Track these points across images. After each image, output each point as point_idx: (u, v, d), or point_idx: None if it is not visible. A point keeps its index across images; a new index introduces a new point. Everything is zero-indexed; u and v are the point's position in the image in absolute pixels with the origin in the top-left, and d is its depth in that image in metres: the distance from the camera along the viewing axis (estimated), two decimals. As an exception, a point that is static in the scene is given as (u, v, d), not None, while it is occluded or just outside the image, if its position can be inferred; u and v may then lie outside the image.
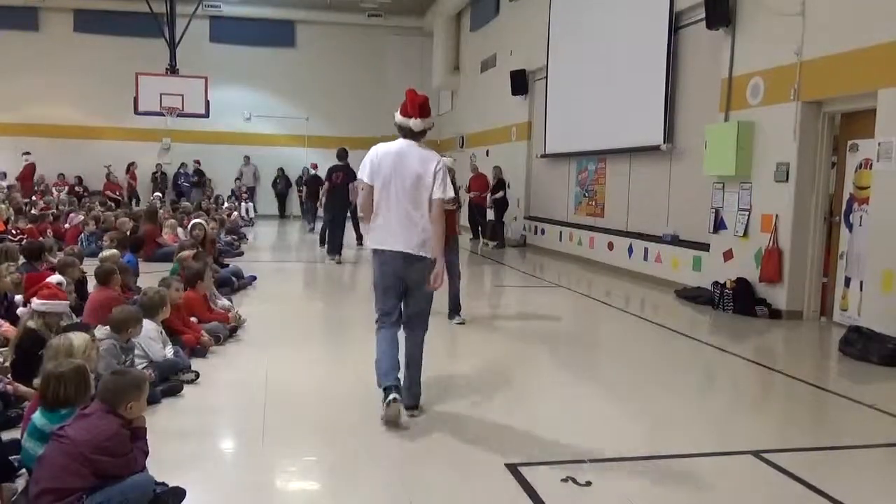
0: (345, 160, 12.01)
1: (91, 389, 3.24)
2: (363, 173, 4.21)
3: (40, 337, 4.23)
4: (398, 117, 4.27)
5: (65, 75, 20.04)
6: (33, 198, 16.89)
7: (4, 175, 19.10)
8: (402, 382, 4.16)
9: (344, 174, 11.68)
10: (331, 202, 11.97)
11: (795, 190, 7.58)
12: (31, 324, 4.34)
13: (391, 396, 3.99)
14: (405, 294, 4.23)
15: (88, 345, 3.65)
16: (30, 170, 19.17)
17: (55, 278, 5.04)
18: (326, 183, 12.14)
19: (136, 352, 4.56)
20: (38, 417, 3.14)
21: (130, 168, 20.24)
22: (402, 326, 4.30)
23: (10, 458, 3.17)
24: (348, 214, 12.17)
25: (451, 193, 4.30)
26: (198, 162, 20.68)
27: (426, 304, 4.32)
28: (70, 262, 6.19)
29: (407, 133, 4.23)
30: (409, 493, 3.22)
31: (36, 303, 4.40)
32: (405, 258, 4.10)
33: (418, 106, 4.21)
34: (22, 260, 6.73)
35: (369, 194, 4.17)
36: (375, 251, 4.21)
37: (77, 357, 3.46)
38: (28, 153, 19.15)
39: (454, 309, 7.00)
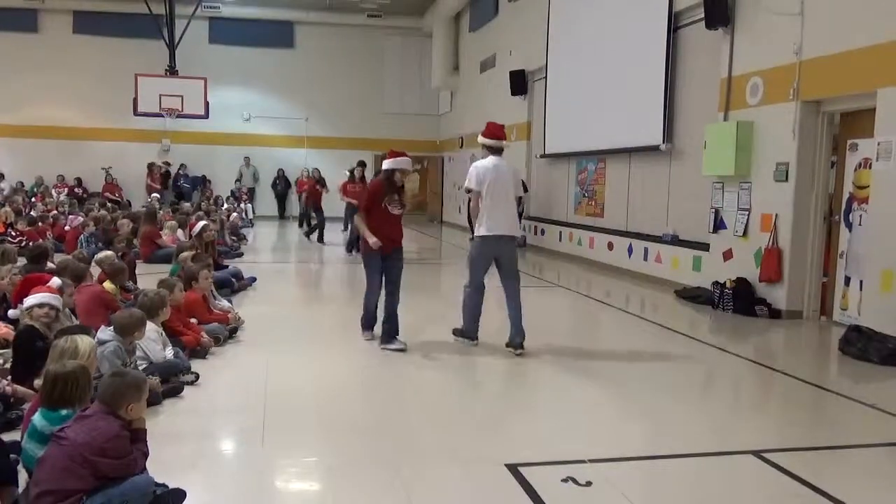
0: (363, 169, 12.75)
1: (91, 391, 3.25)
2: (471, 183, 5.80)
3: (37, 333, 4.24)
4: (488, 140, 5.93)
5: (64, 77, 20.03)
6: (33, 199, 16.92)
7: (3, 176, 19.10)
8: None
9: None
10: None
11: (795, 189, 7.59)
12: (28, 321, 4.35)
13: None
14: (498, 265, 5.94)
15: (93, 348, 3.66)
16: None
17: (55, 282, 5.04)
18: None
19: (137, 353, 4.56)
20: (38, 419, 3.15)
21: (153, 168, 19.96)
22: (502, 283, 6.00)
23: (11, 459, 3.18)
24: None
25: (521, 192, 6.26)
26: (167, 163, 20.53)
27: (516, 265, 6.05)
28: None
29: (496, 151, 5.90)
30: (409, 493, 3.22)
31: (27, 299, 4.41)
32: (508, 239, 5.89)
33: (503, 131, 6.04)
34: (23, 262, 6.74)
35: (478, 198, 5.78)
36: (485, 237, 5.83)
37: (82, 360, 3.47)
38: None
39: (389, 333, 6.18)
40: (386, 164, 5.99)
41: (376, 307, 6.22)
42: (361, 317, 6.31)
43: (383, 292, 6.14)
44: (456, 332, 6.19)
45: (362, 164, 13.27)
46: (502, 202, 5.81)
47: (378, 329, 6.12)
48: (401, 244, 6.19)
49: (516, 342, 5.83)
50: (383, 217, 5.96)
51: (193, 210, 14.20)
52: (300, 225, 17.05)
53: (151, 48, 18.56)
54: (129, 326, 4.39)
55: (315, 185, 15.53)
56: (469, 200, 6.21)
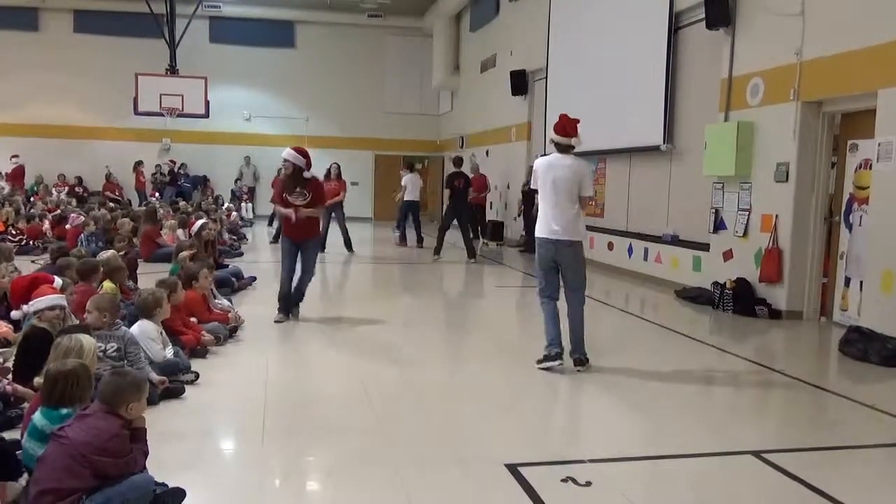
0: (460, 166, 12.79)
1: (92, 390, 3.25)
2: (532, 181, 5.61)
3: (48, 334, 4.23)
4: (552, 135, 5.59)
5: (64, 76, 20.02)
6: (32, 198, 16.93)
7: (3, 175, 19.10)
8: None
9: (464, 180, 12.43)
10: (454, 206, 12.40)
11: (795, 190, 7.59)
12: (38, 323, 4.35)
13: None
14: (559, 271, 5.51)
15: (95, 348, 3.68)
16: (19, 171, 19.13)
17: (57, 282, 5.04)
18: (448, 190, 12.60)
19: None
20: (38, 418, 3.15)
21: (137, 167, 20.17)
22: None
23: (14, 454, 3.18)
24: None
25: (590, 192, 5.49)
26: (173, 161, 20.56)
27: (573, 273, 5.50)
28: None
29: (562, 148, 5.47)
30: (409, 493, 3.22)
31: (35, 302, 4.41)
32: (555, 243, 5.38)
33: (573, 127, 5.49)
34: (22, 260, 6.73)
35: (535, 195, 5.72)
36: (536, 239, 5.53)
37: (85, 358, 3.48)
38: (16, 155, 19.11)
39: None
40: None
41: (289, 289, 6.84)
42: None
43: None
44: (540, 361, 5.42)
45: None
46: (551, 202, 5.33)
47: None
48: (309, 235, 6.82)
49: (573, 357, 5.35)
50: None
51: (194, 209, 14.20)
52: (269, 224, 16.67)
53: (152, 47, 18.55)
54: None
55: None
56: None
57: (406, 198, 14.10)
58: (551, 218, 5.32)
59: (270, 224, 15.92)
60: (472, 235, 12.66)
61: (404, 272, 11.48)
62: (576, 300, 5.43)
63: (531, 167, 14.05)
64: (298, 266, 6.85)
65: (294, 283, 6.86)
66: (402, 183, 14.11)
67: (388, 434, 4.01)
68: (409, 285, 10.37)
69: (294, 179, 6.64)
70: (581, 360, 5.33)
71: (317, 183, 6.86)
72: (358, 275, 11.26)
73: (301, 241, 6.80)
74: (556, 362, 5.28)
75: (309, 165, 6.71)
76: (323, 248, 11.52)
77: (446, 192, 12.76)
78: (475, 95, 18.55)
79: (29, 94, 19.89)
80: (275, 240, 13.82)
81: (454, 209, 12.39)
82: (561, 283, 5.48)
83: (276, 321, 6.75)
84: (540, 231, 5.43)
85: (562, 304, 5.46)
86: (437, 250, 12.32)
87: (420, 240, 14.23)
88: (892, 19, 6.35)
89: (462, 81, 19.87)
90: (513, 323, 7.82)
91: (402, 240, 14.37)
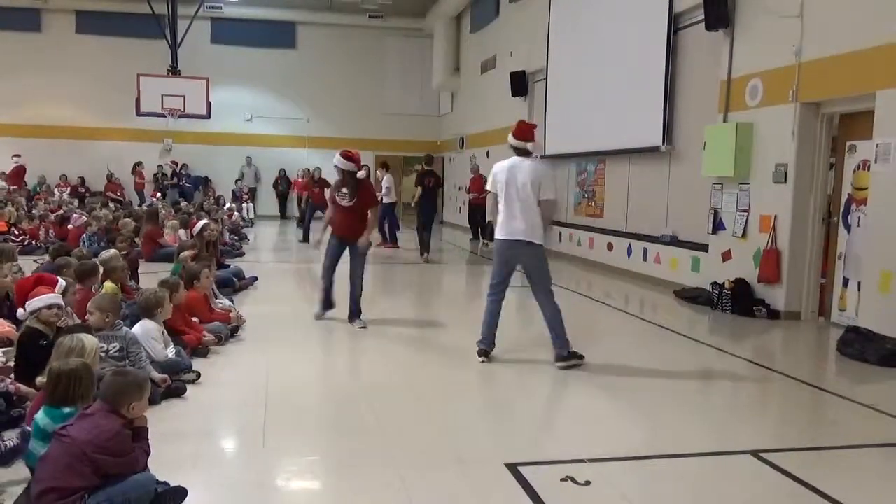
0: (431, 165, 12.71)
1: (94, 389, 3.26)
2: (488, 184, 5.71)
3: (40, 334, 4.25)
4: (510, 140, 5.65)
5: (66, 76, 20.04)
6: (34, 198, 16.93)
7: (4, 174, 19.10)
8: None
9: (434, 178, 12.40)
10: (424, 204, 12.36)
11: (794, 191, 7.59)
12: (31, 323, 4.35)
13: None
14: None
15: (97, 348, 3.68)
16: (20, 171, 19.13)
17: (61, 284, 5.02)
18: (419, 187, 12.51)
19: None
20: (41, 417, 3.15)
21: (136, 168, 20.24)
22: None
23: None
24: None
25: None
26: (175, 162, 20.59)
27: (538, 273, 5.63)
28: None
29: (519, 152, 5.56)
30: (410, 492, 3.23)
31: (32, 302, 4.41)
32: (514, 244, 5.51)
33: (531, 132, 5.67)
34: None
35: (494, 199, 5.63)
36: (496, 240, 5.63)
37: (88, 358, 3.49)
38: (18, 155, 19.13)
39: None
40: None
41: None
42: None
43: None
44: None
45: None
46: (511, 204, 5.43)
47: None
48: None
49: (557, 353, 5.48)
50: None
51: (195, 210, 14.20)
52: (299, 225, 16.90)
53: (154, 48, 18.57)
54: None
55: (320, 187, 15.35)
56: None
57: (385, 200, 13.51)
58: (511, 220, 5.42)
59: (299, 225, 16.26)
60: (429, 234, 12.50)
61: (400, 272, 11.48)
62: (548, 301, 5.54)
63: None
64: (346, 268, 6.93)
65: (348, 291, 6.93)
66: (385, 184, 13.67)
67: (388, 434, 4.01)
68: (405, 285, 10.37)
69: (344, 182, 6.78)
70: (563, 357, 5.42)
71: (366, 184, 6.94)
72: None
73: (346, 238, 6.85)
74: (481, 359, 5.54)
75: (359, 167, 6.85)
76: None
77: (417, 190, 12.69)
78: (475, 96, 18.54)
79: (31, 94, 19.92)
80: (304, 239, 14.40)
81: (424, 207, 12.29)
82: (528, 284, 5.68)
83: (315, 316, 6.99)
84: (499, 233, 5.53)
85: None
86: (424, 250, 12.24)
87: (395, 240, 14.02)
88: (890, 21, 6.35)
89: (462, 82, 19.87)
90: (511, 322, 7.82)
91: (384, 241, 14.00)
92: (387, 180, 13.82)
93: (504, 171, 5.50)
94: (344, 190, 6.76)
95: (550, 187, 5.50)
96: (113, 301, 4.75)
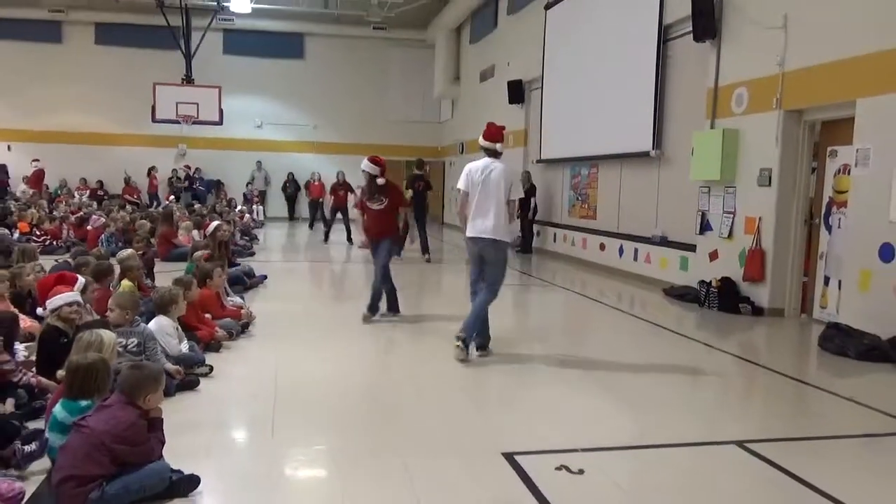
0: (421, 169, 12.59)
1: (110, 382, 3.26)
2: (460, 183, 5.63)
3: (61, 332, 4.25)
4: (480, 141, 5.63)
5: (86, 85, 20.10)
6: (55, 201, 16.95)
7: (26, 177, 19.08)
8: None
9: (423, 182, 12.35)
10: (414, 206, 12.22)
11: (777, 194, 7.59)
12: (52, 321, 4.36)
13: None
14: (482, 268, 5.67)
15: (115, 343, 3.69)
16: (39, 175, 19.12)
17: (80, 282, 5.02)
18: (409, 190, 12.43)
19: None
20: (58, 410, 3.16)
21: (151, 172, 20.29)
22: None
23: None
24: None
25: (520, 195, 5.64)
26: (188, 167, 20.58)
27: (497, 271, 5.67)
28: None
29: (490, 153, 5.57)
30: (412, 480, 3.22)
31: (53, 300, 4.42)
32: (482, 241, 5.53)
33: (500, 133, 5.60)
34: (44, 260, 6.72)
35: (465, 198, 5.61)
36: (467, 238, 5.62)
37: (106, 352, 3.49)
38: (37, 160, 19.12)
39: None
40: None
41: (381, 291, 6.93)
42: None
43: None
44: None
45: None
46: (482, 203, 5.43)
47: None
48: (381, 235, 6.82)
49: (460, 337, 5.41)
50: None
51: (208, 212, 14.20)
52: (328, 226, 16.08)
53: (169, 58, 18.58)
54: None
55: (345, 190, 15.30)
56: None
57: None
58: (483, 219, 5.43)
59: (324, 225, 16.14)
60: (425, 234, 12.48)
61: (398, 271, 11.48)
62: (487, 292, 5.56)
63: (527, 173, 14.20)
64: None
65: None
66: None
67: (392, 425, 4.01)
68: (405, 283, 10.37)
69: (371, 186, 6.77)
70: (461, 338, 5.36)
71: (392, 187, 6.90)
72: (358, 274, 11.25)
73: (375, 239, 6.88)
74: (478, 353, 5.57)
75: (383, 173, 6.78)
76: (399, 252, 11.54)
77: (408, 193, 12.62)
78: (475, 104, 18.55)
79: (53, 102, 19.99)
80: (326, 239, 14.68)
81: (415, 208, 12.19)
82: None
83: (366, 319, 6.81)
84: (469, 230, 5.53)
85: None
86: (424, 249, 12.21)
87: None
88: (869, 32, 6.35)
89: (462, 90, 19.87)
90: (509, 319, 7.82)
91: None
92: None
93: (478, 171, 5.50)
94: (376, 195, 6.77)
95: (518, 189, 5.64)
96: (132, 299, 4.75)
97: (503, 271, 5.63)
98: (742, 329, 7.25)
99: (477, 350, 5.57)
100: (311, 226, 18.24)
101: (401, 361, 5.50)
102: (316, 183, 19.06)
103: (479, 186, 5.44)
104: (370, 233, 6.92)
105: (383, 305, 7.01)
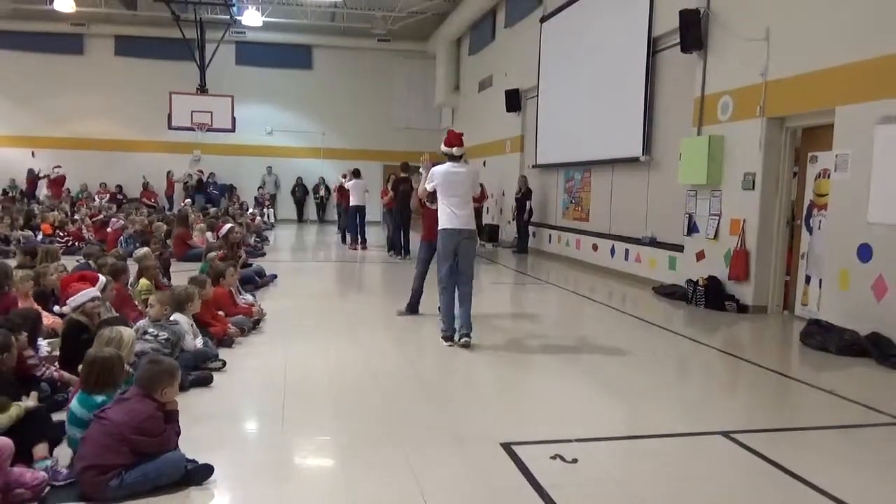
0: (407, 172, 12.39)
1: (124, 376, 3.28)
2: (427, 183, 5.95)
3: (83, 326, 4.25)
4: (442, 147, 5.89)
5: (106, 94, 20.13)
6: (77, 204, 16.95)
7: (48, 177, 19.07)
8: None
9: (409, 185, 12.09)
10: (399, 208, 12.16)
11: (761, 197, 7.58)
12: (75, 316, 4.36)
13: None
14: (455, 260, 5.80)
15: (133, 340, 3.72)
16: (60, 180, 19.10)
17: (101, 280, 5.02)
18: (393, 192, 12.35)
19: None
20: (75, 406, 3.15)
21: (168, 177, 20.33)
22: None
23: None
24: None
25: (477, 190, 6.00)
26: (202, 171, 20.53)
27: (471, 261, 5.88)
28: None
29: (452, 158, 5.83)
30: (414, 469, 3.22)
31: (75, 298, 4.42)
32: (458, 232, 5.76)
33: (458, 139, 5.90)
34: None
35: (427, 195, 6.05)
36: (442, 230, 5.81)
37: (124, 348, 3.50)
38: (59, 166, 19.11)
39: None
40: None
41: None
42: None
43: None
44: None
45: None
46: (453, 200, 5.73)
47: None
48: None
49: (461, 332, 5.67)
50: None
51: (221, 214, 14.19)
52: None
53: (184, 69, 18.58)
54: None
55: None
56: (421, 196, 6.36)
57: (353, 203, 13.46)
58: (455, 213, 5.73)
59: (339, 229, 16.13)
60: (407, 236, 12.26)
61: (393, 271, 11.48)
62: (468, 284, 5.79)
63: (523, 177, 14.19)
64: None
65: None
66: (352, 190, 13.41)
67: (396, 416, 4.00)
68: (404, 283, 10.36)
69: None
70: (469, 336, 5.64)
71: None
72: (359, 273, 11.25)
73: (434, 241, 6.74)
74: (448, 343, 5.70)
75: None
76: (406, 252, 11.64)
77: (390, 194, 12.44)
78: (473, 112, 18.54)
79: (75, 111, 20.03)
80: (344, 241, 14.59)
81: (400, 210, 12.10)
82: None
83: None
84: (444, 224, 5.77)
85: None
86: (405, 252, 12.10)
87: (364, 241, 13.65)
88: (847, 44, 6.35)
89: (462, 99, 19.86)
90: (507, 316, 7.81)
91: (354, 242, 13.61)
92: (352, 186, 13.55)
93: (449, 173, 5.80)
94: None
95: (478, 185, 6.18)
96: (172, 297, 4.88)
97: (473, 265, 5.91)
98: (727, 325, 7.24)
99: (443, 339, 5.75)
100: (342, 236, 15.53)
101: (405, 357, 5.49)
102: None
103: (451, 187, 5.75)
104: (430, 234, 6.68)
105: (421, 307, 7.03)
